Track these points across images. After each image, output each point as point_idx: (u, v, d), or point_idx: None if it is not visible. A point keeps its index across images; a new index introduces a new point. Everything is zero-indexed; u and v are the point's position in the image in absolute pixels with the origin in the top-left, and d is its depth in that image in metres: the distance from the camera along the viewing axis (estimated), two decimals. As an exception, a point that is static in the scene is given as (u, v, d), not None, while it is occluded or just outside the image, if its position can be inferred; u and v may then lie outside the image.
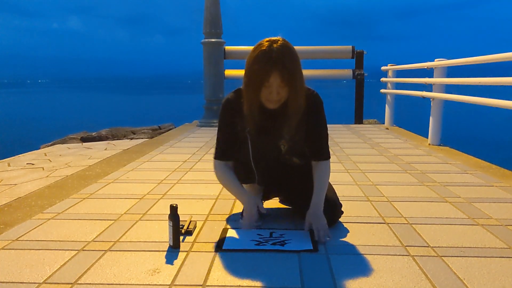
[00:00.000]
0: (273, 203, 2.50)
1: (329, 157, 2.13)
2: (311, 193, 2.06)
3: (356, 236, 2.02)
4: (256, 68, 1.82)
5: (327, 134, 2.12)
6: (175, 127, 7.77)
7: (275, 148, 2.08)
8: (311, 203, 2.04)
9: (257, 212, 2.06)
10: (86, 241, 1.96)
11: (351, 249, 1.87)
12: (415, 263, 1.73)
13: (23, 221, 2.25)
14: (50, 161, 4.41)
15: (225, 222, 2.22)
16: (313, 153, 2.11)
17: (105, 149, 5.08)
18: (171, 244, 1.87)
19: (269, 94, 1.85)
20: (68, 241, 1.97)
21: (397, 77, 6.96)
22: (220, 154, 2.13)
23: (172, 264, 1.72)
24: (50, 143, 6.34)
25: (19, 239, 1.99)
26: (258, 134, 2.00)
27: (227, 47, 7.25)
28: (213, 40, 6.87)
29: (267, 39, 1.86)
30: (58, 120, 23.48)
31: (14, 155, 4.98)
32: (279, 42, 1.83)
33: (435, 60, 5.03)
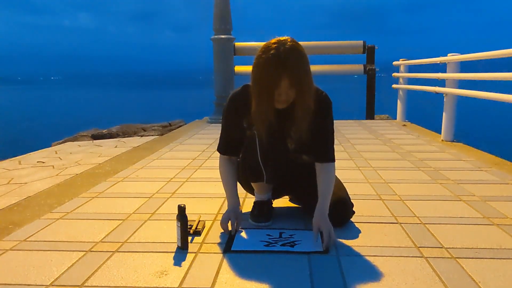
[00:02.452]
0: (282, 202, 2.46)
1: (334, 160, 2.06)
2: None
3: (367, 236, 1.98)
4: (265, 74, 1.77)
5: (333, 137, 2.07)
6: (185, 124, 7.77)
7: (283, 146, 2.04)
8: (316, 208, 1.96)
9: (228, 224, 2.01)
10: (94, 242, 1.95)
11: (362, 250, 1.83)
12: (429, 264, 1.69)
13: (32, 221, 2.25)
14: (61, 159, 4.42)
15: (234, 221, 2.19)
16: (318, 155, 2.05)
17: (115, 147, 5.08)
18: (179, 245, 1.85)
19: (278, 95, 1.81)
20: (76, 241, 1.95)
21: (409, 72, 6.86)
22: (224, 149, 2.13)
23: (180, 265, 1.70)
24: (61, 141, 6.36)
25: (27, 239, 1.98)
26: (266, 133, 1.96)
27: (237, 44, 7.21)
28: (222, 36, 6.83)
29: (275, 40, 1.79)
30: (70, 117, 23.65)
31: (26, 153, 5.01)
32: (287, 44, 1.77)
33: (448, 54, 4.94)
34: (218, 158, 2.18)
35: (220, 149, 2.15)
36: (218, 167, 2.19)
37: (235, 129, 2.06)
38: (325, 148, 2.04)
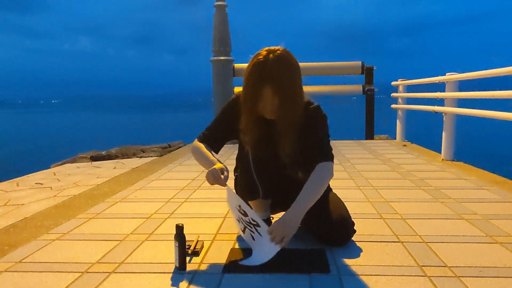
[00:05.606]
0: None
1: (331, 159, 1.93)
2: (321, 210, 1.98)
3: (369, 255, 1.95)
4: (250, 80, 1.80)
5: (329, 140, 1.98)
6: (185, 145, 7.76)
7: (277, 161, 2.00)
8: (292, 204, 1.80)
9: (218, 175, 1.78)
10: (90, 263, 1.91)
11: (364, 270, 1.79)
12: (432, 284, 1.65)
13: (28, 242, 2.21)
14: (59, 180, 4.39)
15: (233, 241, 2.15)
16: (313, 156, 1.92)
17: (114, 168, 5.06)
18: (177, 265, 1.81)
19: (264, 104, 1.81)
20: (72, 262, 1.92)
21: (407, 92, 6.89)
22: (204, 137, 2.09)
23: (177, 286, 1.66)
24: (60, 162, 6.33)
25: (22, 261, 1.95)
26: (257, 144, 1.95)
27: (236, 65, 7.26)
28: (222, 58, 6.88)
29: (267, 48, 1.81)
30: (70, 139, 23.68)
31: (24, 175, 4.98)
32: (277, 52, 1.78)
33: (446, 74, 4.96)
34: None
35: (202, 136, 2.09)
36: (192, 151, 2.10)
37: (226, 125, 2.04)
38: (319, 148, 1.93)
